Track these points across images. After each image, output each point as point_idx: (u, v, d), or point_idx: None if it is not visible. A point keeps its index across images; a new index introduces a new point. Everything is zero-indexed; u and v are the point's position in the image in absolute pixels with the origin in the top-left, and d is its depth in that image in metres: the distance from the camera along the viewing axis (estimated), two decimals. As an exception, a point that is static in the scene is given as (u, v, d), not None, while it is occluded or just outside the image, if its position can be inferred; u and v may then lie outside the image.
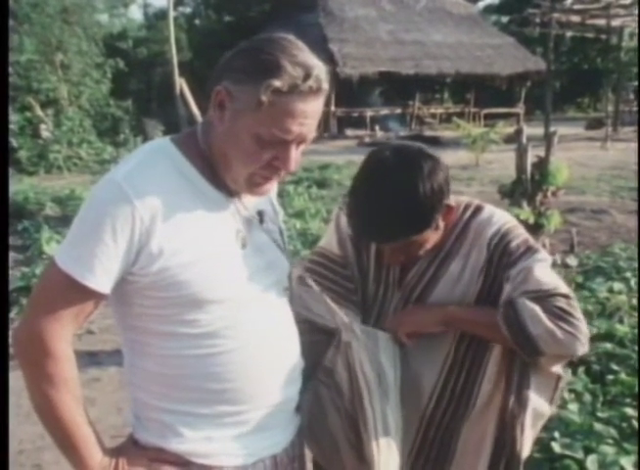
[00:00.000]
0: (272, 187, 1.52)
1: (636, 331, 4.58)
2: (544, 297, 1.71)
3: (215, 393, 1.49)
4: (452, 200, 1.77)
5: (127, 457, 1.51)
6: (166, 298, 1.43)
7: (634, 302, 5.09)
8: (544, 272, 1.75)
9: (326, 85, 1.40)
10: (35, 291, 1.47)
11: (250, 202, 1.56)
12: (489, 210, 1.89)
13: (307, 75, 1.35)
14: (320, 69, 1.38)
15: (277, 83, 1.34)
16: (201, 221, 1.45)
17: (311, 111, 1.39)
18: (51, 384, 1.40)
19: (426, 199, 1.65)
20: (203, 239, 1.44)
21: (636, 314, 4.87)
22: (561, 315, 1.68)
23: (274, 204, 1.71)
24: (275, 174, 1.46)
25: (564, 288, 1.75)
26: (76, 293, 1.38)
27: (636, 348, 4.35)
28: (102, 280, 1.37)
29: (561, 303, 1.70)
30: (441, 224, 1.77)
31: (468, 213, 1.88)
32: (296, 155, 1.43)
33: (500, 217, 1.85)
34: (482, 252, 1.80)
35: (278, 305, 1.58)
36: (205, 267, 1.43)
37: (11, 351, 1.60)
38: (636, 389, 3.84)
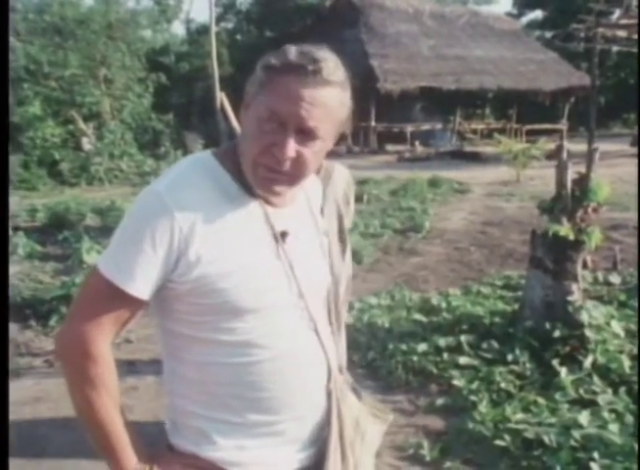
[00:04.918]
0: (286, 190, 1.49)
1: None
2: None
3: (250, 401, 1.50)
4: None
5: (162, 462, 1.53)
6: (204, 305, 1.45)
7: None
8: None
9: (333, 77, 1.39)
10: (78, 296, 1.52)
11: (288, 212, 1.57)
12: None
13: (302, 55, 1.38)
14: (323, 56, 1.39)
15: (272, 61, 1.39)
16: (238, 232, 1.47)
17: (311, 96, 1.37)
18: (91, 386, 1.44)
19: None
20: (240, 249, 1.45)
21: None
22: None
23: (316, 216, 1.71)
24: (275, 164, 1.42)
25: None
26: (117, 299, 1.42)
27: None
28: (141, 287, 1.41)
29: None
30: None
31: None
32: (296, 146, 1.41)
33: None
34: None
35: (315, 315, 1.58)
36: (242, 277, 1.44)
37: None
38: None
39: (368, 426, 1.71)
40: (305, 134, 1.40)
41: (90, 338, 1.43)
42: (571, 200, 4.97)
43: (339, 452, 1.60)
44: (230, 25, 35.42)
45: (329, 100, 1.40)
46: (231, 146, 1.54)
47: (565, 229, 4.71)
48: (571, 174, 5.07)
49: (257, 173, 1.44)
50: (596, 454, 3.32)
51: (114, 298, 1.42)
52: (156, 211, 1.40)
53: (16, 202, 13.42)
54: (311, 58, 1.37)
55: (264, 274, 1.48)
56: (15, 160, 16.57)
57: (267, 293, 1.48)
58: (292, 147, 1.39)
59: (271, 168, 1.43)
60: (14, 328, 5.82)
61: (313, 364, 1.57)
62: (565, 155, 5.09)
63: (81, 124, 19.42)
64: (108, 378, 1.46)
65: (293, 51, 1.39)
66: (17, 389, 4.62)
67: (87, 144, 19.00)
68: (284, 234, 1.53)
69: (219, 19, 31.53)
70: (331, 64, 1.39)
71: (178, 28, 48.29)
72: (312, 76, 1.36)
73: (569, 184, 4.99)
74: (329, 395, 1.60)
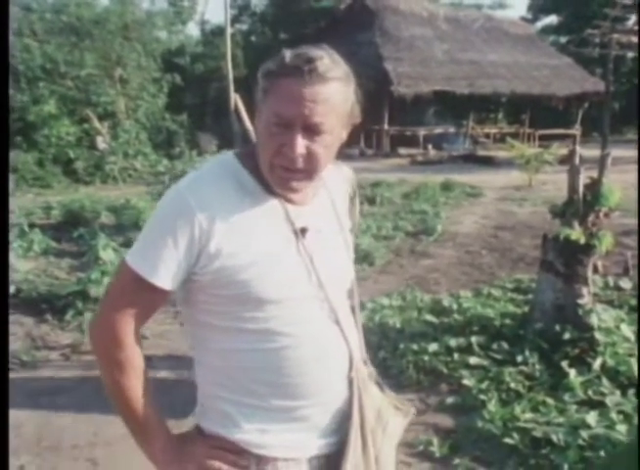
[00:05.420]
0: (304, 185, 1.55)
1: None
2: None
3: (272, 386, 1.57)
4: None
5: (189, 443, 1.62)
6: (226, 295, 1.52)
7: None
8: None
9: (331, 73, 1.44)
10: (108, 287, 1.64)
11: (309, 210, 1.63)
12: None
13: (297, 56, 1.43)
14: (318, 54, 1.44)
15: (270, 66, 1.46)
16: (258, 227, 1.53)
17: (311, 94, 1.43)
18: (119, 370, 1.55)
19: None
20: (259, 243, 1.52)
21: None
22: None
23: (339, 213, 1.75)
24: (289, 163, 1.49)
25: None
26: (143, 289, 1.51)
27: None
28: (164, 278, 1.50)
29: None
30: None
31: None
32: (306, 143, 1.47)
33: None
34: None
35: (335, 306, 1.63)
36: (260, 269, 1.51)
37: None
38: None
39: (390, 418, 1.75)
40: (312, 131, 1.46)
41: (118, 326, 1.53)
42: (582, 204, 5.00)
43: (359, 441, 1.64)
44: (245, 27, 35.51)
45: (329, 95, 1.45)
46: (252, 147, 1.60)
47: (576, 233, 4.75)
48: (584, 179, 5.10)
49: (275, 174, 1.51)
50: (603, 453, 3.36)
51: (140, 288, 1.51)
52: (178, 209, 1.49)
53: (30, 199, 13.56)
54: (306, 58, 1.42)
55: (283, 267, 1.54)
56: (30, 158, 16.73)
57: (286, 284, 1.54)
58: (300, 144, 1.46)
59: (286, 168, 1.49)
60: (29, 322, 5.91)
61: (335, 353, 1.62)
62: (577, 160, 5.12)
63: (96, 123, 19.58)
64: (135, 362, 1.56)
65: (288, 54, 1.44)
66: (34, 381, 4.71)
67: (102, 143, 19.16)
68: (304, 230, 1.58)
69: (234, 20, 31.63)
70: (326, 61, 1.44)
71: (193, 30, 48.34)
72: (309, 76, 1.41)
73: (580, 189, 5.03)
74: (350, 384, 1.65)
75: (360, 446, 1.64)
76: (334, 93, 1.46)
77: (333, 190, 1.75)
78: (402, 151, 25.04)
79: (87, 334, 1.65)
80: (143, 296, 1.53)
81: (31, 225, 9.42)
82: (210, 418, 1.64)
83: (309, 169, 1.51)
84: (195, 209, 1.47)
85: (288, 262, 1.55)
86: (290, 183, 1.52)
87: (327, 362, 1.60)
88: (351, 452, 1.62)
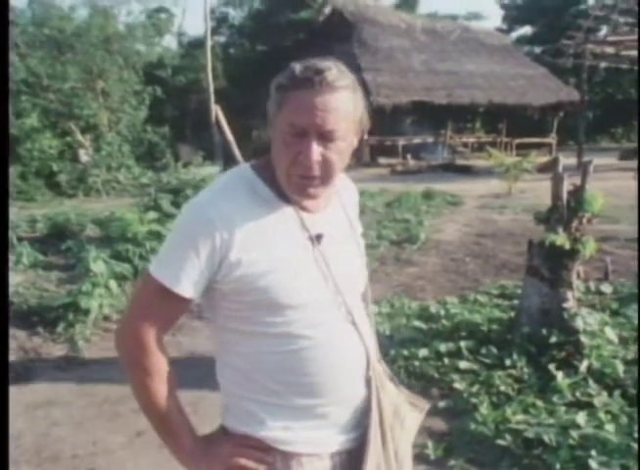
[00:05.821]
0: (321, 191, 1.63)
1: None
2: None
3: (293, 385, 1.65)
4: None
5: (216, 442, 1.70)
6: (247, 301, 1.61)
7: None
8: None
9: (339, 82, 1.53)
10: (133, 296, 1.73)
11: (322, 217, 1.71)
12: None
13: (307, 69, 1.53)
14: (326, 66, 1.53)
15: (282, 80, 1.55)
16: (275, 235, 1.62)
17: (322, 103, 1.51)
18: (147, 375, 1.62)
19: None
20: (277, 251, 1.60)
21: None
22: None
23: (352, 220, 1.85)
24: (305, 171, 1.56)
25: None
26: (166, 298, 1.60)
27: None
28: (187, 287, 1.58)
29: None
30: None
31: None
32: (320, 150, 1.54)
33: None
34: None
35: (352, 308, 1.71)
36: (279, 276, 1.59)
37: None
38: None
39: (407, 414, 1.84)
40: (325, 138, 1.54)
41: (143, 333, 1.61)
42: (566, 211, 5.12)
43: (379, 437, 1.72)
44: (223, 39, 35.51)
45: (340, 103, 1.53)
46: (267, 158, 1.68)
47: (561, 239, 4.87)
48: (567, 186, 5.22)
49: (292, 182, 1.59)
50: (594, 452, 3.47)
51: (163, 297, 1.60)
52: (198, 221, 1.57)
53: (14, 212, 13.50)
54: (315, 69, 1.51)
55: (301, 273, 1.62)
56: (12, 171, 16.67)
57: (305, 290, 1.62)
58: (316, 151, 1.54)
59: (303, 176, 1.57)
60: (22, 335, 5.93)
61: (352, 353, 1.70)
62: (560, 167, 5.25)
63: (79, 136, 19.59)
64: (161, 367, 1.64)
65: (297, 67, 1.53)
66: (29, 393, 4.74)
67: (84, 156, 19.16)
68: (319, 236, 1.67)
69: (212, 32, 31.59)
70: (334, 71, 1.53)
71: (171, 42, 48.19)
72: (319, 86, 1.50)
73: (564, 195, 5.15)
74: (368, 382, 1.73)
75: (380, 442, 1.72)
76: (343, 101, 1.54)
77: (344, 196, 1.85)
78: (382, 160, 25.22)
79: (115, 341, 1.72)
80: (166, 304, 1.61)
81: (19, 239, 9.41)
82: (235, 417, 1.71)
83: (325, 176, 1.59)
84: (215, 220, 1.55)
85: (305, 268, 1.63)
86: (307, 190, 1.60)
87: (345, 362, 1.68)
88: (372, 448, 1.69)
